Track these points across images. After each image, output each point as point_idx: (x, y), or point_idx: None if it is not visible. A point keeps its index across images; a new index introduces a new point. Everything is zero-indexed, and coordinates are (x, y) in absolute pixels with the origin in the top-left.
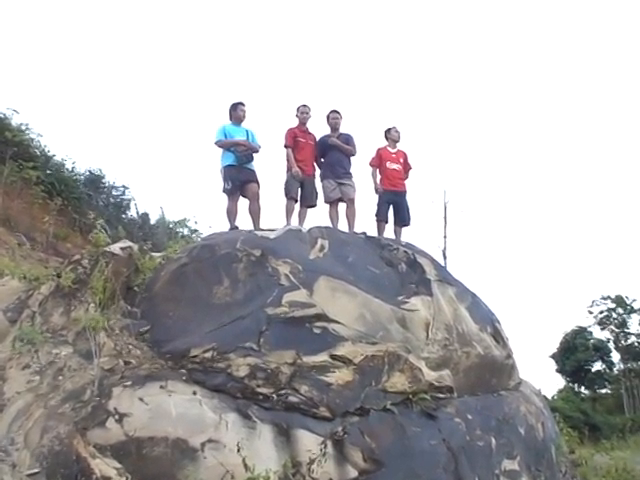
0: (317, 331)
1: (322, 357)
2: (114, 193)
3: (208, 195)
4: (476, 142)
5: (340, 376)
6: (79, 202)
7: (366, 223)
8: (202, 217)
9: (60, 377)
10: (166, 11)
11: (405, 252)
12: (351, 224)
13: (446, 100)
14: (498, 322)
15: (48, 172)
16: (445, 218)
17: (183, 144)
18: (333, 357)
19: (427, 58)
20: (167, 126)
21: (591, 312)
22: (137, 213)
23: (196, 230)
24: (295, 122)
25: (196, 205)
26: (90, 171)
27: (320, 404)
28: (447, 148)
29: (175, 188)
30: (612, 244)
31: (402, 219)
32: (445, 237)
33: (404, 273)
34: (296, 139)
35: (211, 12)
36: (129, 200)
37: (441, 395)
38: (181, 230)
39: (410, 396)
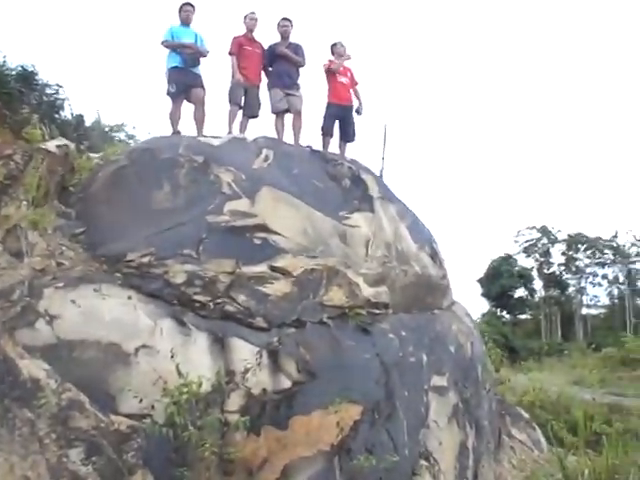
0: (257, 242)
1: (261, 268)
2: (47, 91)
3: (148, 100)
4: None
5: (278, 287)
6: (10, 98)
7: (312, 136)
8: (140, 123)
9: None
10: None
11: (350, 168)
12: (297, 136)
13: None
14: (436, 243)
15: None
16: (384, 139)
17: (122, 45)
18: (272, 268)
19: None
20: (105, 25)
21: (517, 241)
22: (71, 114)
23: (133, 136)
24: (243, 30)
25: (135, 110)
26: (23, 67)
27: (257, 314)
28: (390, 73)
29: (113, 91)
30: (541, 176)
31: (347, 134)
32: (383, 159)
33: (347, 189)
34: (242, 47)
35: None
36: (63, 100)
37: (377, 311)
38: (117, 135)
39: (346, 310)
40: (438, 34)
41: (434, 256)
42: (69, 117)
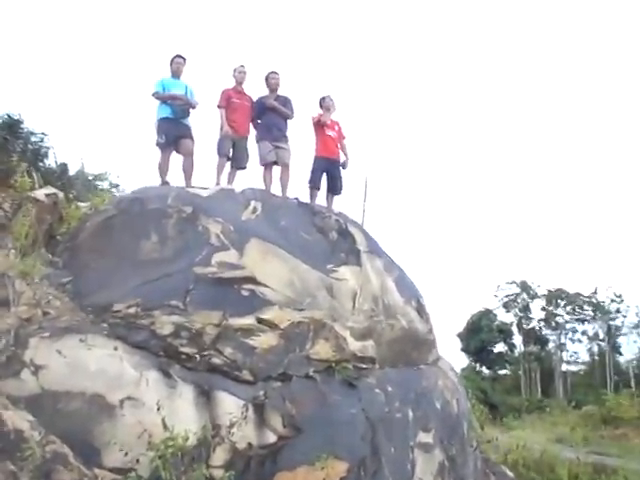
0: (245, 293)
1: (248, 320)
2: (32, 139)
3: (131, 149)
4: (401, 126)
5: (265, 340)
6: None
7: (299, 188)
8: (124, 171)
9: None
10: None
11: (337, 221)
12: (284, 189)
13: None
14: (422, 297)
15: None
16: (365, 192)
17: (108, 96)
18: (259, 321)
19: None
20: (91, 77)
21: (496, 296)
22: (55, 162)
23: (117, 185)
24: (232, 83)
25: (118, 159)
26: (8, 115)
27: (243, 367)
28: (372, 128)
29: (96, 139)
30: (520, 232)
31: (335, 187)
32: (364, 212)
33: (335, 241)
34: (230, 100)
35: None
36: (48, 148)
37: (363, 365)
38: (101, 184)
39: (333, 364)
40: (416, 90)
41: (420, 310)
42: (53, 165)
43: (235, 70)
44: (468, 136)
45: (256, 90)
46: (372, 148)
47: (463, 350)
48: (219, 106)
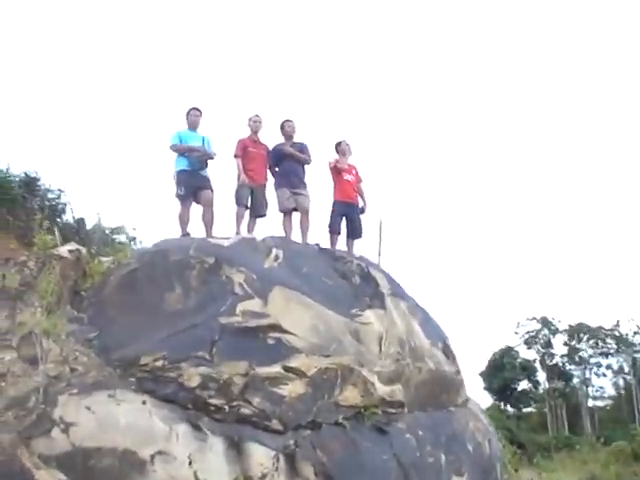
0: (271, 342)
1: (275, 369)
2: (50, 196)
3: (147, 202)
4: (415, 164)
5: (293, 388)
6: (13, 204)
7: (318, 234)
8: (141, 223)
9: (3, 383)
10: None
11: (359, 265)
12: (305, 235)
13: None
14: (447, 338)
15: None
16: (380, 234)
17: (125, 150)
18: (286, 369)
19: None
20: (108, 131)
21: (517, 332)
22: (73, 218)
23: (134, 237)
24: (247, 132)
25: (134, 211)
26: (26, 173)
27: (272, 417)
28: (386, 164)
29: (113, 193)
30: (537, 266)
31: (354, 231)
32: (379, 254)
33: (358, 286)
34: (246, 149)
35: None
36: (65, 204)
37: (392, 410)
38: (118, 237)
39: (362, 410)
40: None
41: (447, 352)
42: (71, 221)
43: (250, 119)
44: (485, 174)
45: (271, 138)
46: (386, 188)
47: (486, 389)
48: (235, 156)
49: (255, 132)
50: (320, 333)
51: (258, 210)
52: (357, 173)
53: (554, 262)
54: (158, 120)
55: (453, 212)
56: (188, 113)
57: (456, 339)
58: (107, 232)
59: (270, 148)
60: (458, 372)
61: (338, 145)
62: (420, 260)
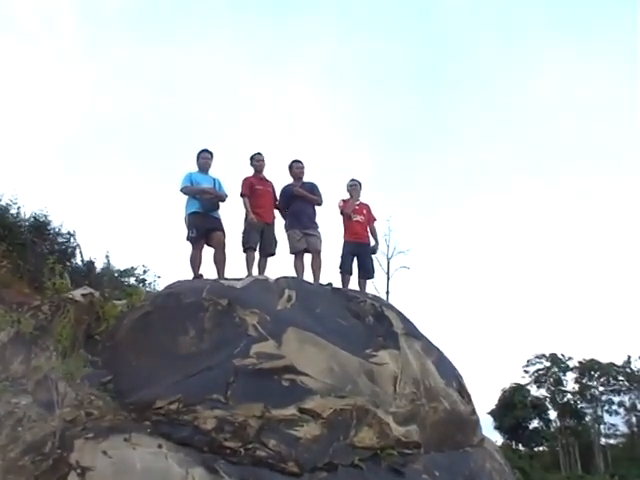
0: (286, 384)
1: (291, 410)
2: (59, 240)
3: (157, 244)
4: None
5: (309, 430)
6: (23, 248)
7: (330, 273)
8: (150, 264)
9: (19, 428)
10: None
11: (372, 304)
12: (317, 275)
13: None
14: (462, 377)
15: None
16: (388, 273)
17: (133, 192)
18: (302, 410)
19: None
20: (117, 173)
21: (527, 371)
22: (82, 261)
23: (144, 279)
24: (251, 171)
25: (143, 251)
26: (35, 217)
27: (288, 459)
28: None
29: (123, 235)
30: (545, 303)
31: (366, 271)
32: (388, 293)
33: (371, 326)
34: (253, 187)
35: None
36: (74, 247)
37: (408, 451)
38: (127, 279)
39: (378, 451)
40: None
41: (462, 391)
42: (80, 264)
43: (253, 159)
44: (490, 209)
45: (276, 175)
46: (395, 223)
47: (497, 428)
48: (242, 195)
49: (259, 171)
50: (335, 374)
51: (268, 249)
52: (369, 211)
53: (562, 298)
54: (167, 163)
55: (461, 249)
56: (199, 155)
57: (464, 377)
58: (116, 275)
59: (275, 185)
60: (473, 411)
61: (349, 186)
62: (427, 296)
